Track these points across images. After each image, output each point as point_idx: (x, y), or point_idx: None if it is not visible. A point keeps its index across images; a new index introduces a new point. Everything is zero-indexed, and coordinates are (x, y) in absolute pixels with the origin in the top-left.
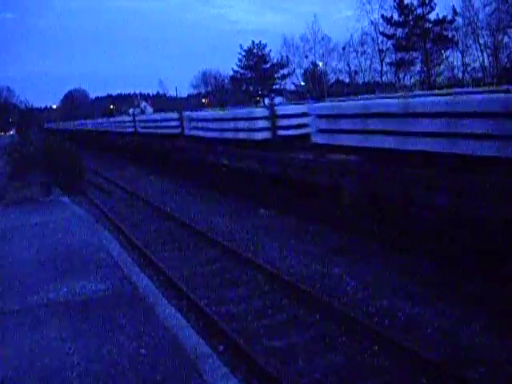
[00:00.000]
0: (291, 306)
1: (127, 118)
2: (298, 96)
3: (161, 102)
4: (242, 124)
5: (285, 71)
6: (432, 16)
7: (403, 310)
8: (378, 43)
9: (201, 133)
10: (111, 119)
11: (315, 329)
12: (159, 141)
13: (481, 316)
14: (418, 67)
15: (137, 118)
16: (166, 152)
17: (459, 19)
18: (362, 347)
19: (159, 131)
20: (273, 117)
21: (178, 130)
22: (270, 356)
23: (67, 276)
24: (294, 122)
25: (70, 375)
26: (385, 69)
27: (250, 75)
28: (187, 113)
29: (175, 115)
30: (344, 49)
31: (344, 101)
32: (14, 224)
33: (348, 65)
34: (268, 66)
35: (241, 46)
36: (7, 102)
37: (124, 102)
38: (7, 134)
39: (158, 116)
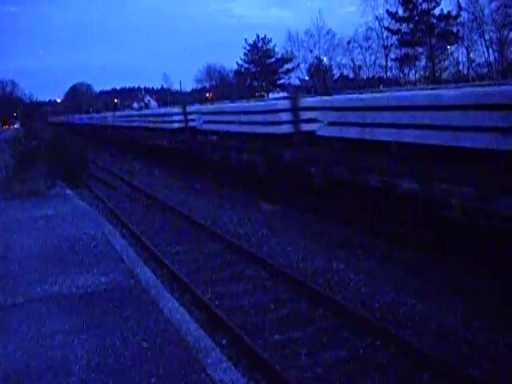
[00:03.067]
0: (294, 301)
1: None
2: (302, 91)
3: (165, 96)
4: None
5: (289, 66)
6: (437, 11)
7: (406, 305)
8: (382, 38)
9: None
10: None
11: (318, 324)
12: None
13: (484, 312)
14: (423, 62)
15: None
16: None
17: (464, 14)
18: (364, 342)
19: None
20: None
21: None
22: (273, 350)
23: (71, 269)
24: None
25: (73, 368)
26: (390, 64)
27: (254, 70)
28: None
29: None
30: (349, 44)
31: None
32: (18, 217)
33: (352, 60)
34: (272, 60)
35: (246, 40)
36: (12, 96)
37: (128, 95)
38: (11, 127)
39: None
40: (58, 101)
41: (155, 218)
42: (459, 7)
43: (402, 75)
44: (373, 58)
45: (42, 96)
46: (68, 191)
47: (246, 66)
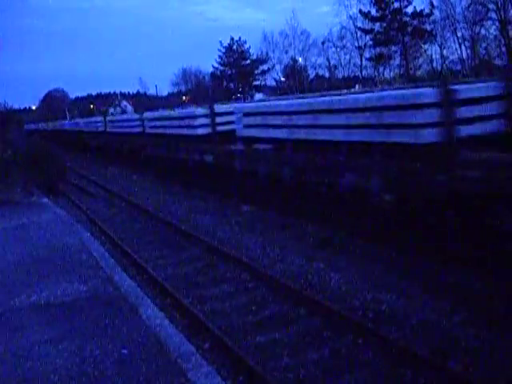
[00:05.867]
0: (275, 302)
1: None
2: (279, 92)
3: (141, 100)
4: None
5: (265, 67)
6: (409, 9)
7: (387, 303)
8: (356, 38)
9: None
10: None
11: (300, 324)
12: None
13: (463, 308)
14: (397, 61)
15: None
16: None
17: (437, 12)
18: (346, 341)
19: None
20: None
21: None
22: (255, 352)
23: (49, 278)
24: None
25: (53, 378)
26: (364, 63)
27: (230, 72)
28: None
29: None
30: (323, 43)
31: None
32: None
33: (328, 60)
34: (248, 62)
35: (220, 42)
36: None
37: (104, 101)
38: None
39: None
40: (34, 108)
41: (134, 221)
42: (431, 5)
43: (377, 74)
44: (348, 57)
45: (17, 104)
46: (45, 199)
47: (221, 68)
